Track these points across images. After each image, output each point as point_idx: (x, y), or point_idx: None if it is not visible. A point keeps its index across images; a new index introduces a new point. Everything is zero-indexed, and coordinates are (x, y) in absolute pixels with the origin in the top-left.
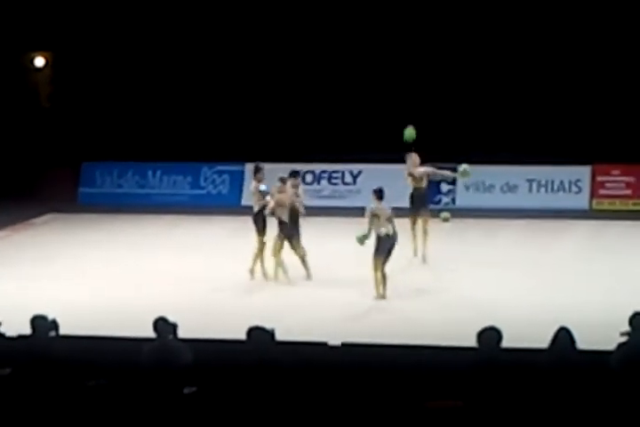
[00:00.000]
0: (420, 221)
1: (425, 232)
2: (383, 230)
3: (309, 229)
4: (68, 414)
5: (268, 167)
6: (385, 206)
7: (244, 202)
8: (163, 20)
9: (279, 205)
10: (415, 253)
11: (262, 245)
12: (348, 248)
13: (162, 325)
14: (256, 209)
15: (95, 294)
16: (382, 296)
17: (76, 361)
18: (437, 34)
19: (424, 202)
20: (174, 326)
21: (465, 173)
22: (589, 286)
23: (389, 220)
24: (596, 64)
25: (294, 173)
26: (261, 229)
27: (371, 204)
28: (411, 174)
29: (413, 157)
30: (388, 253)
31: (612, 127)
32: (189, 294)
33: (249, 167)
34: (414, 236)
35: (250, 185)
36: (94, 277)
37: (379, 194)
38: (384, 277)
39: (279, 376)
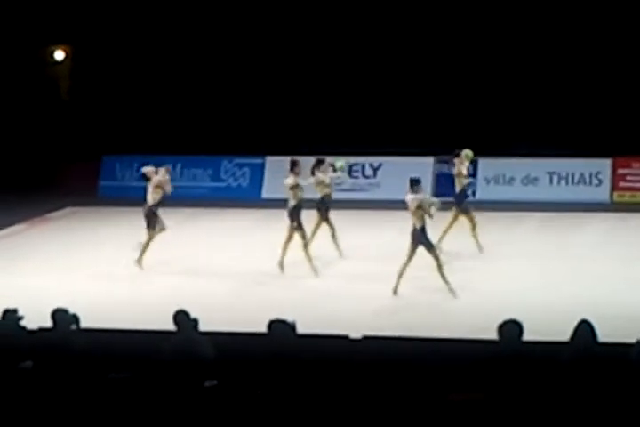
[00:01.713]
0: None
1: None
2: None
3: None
4: (90, 406)
5: (288, 160)
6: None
7: (265, 195)
8: (182, 14)
9: None
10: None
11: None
12: (368, 241)
13: (182, 317)
14: (292, 204)
15: (116, 287)
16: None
17: (96, 354)
18: (457, 27)
19: None
20: (195, 321)
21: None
22: (610, 278)
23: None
24: (618, 57)
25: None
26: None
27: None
28: (460, 174)
29: (463, 157)
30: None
31: (633, 120)
32: (210, 287)
33: (269, 160)
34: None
35: (287, 179)
36: (114, 271)
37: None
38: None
39: (300, 369)
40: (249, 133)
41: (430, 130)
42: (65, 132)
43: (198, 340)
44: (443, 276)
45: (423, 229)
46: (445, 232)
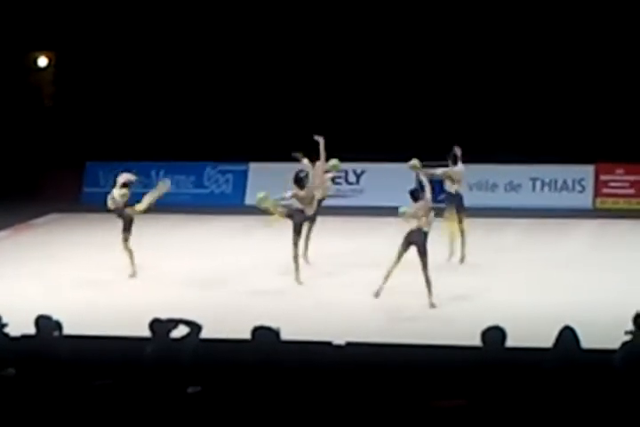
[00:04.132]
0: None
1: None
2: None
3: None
4: (74, 414)
5: (271, 167)
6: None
7: (248, 201)
8: (165, 20)
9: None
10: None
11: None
12: (351, 248)
13: (157, 326)
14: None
15: (99, 294)
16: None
17: (80, 361)
18: (441, 33)
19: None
20: (168, 328)
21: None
22: (593, 284)
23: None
24: (600, 63)
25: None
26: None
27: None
28: (449, 177)
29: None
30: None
31: (616, 126)
32: (193, 294)
33: (252, 167)
34: (453, 238)
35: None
36: (97, 277)
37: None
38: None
39: (284, 376)
40: (232, 140)
41: (413, 136)
42: (48, 138)
43: (176, 346)
44: (428, 283)
45: (427, 234)
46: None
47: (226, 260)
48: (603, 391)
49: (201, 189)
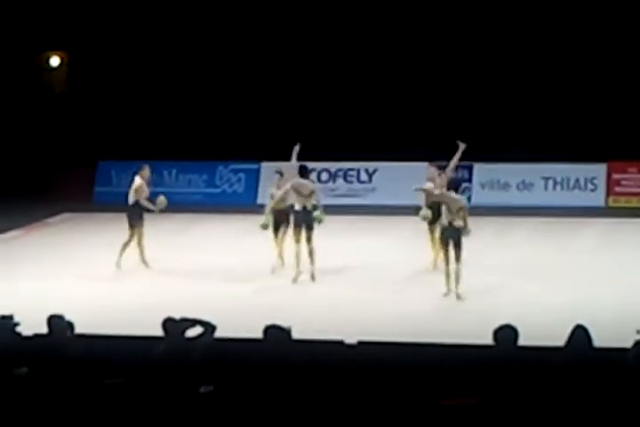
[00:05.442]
0: None
1: None
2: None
3: (324, 228)
4: (85, 412)
5: (283, 166)
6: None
7: (260, 200)
8: (177, 19)
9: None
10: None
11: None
12: (363, 246)
13: (171, 325)
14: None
15: (110, 293)
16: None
17: (92, 360)
18: (451, 31)
19: None
20: (183, 329)
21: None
22: (606, 283)
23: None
24: (611, 61)
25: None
26: None
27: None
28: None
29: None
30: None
31: (628, 124)
32: (205, 293)
33: (264, 166)
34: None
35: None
36: (109, 276)
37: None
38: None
39: (295, 375)
40: (244, 139)
41: (426, 135)
42: (61, 138)
43: (189, 346)
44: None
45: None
46: None
47: (237, 259)
48: (615, 390)
49: (213, 189)
